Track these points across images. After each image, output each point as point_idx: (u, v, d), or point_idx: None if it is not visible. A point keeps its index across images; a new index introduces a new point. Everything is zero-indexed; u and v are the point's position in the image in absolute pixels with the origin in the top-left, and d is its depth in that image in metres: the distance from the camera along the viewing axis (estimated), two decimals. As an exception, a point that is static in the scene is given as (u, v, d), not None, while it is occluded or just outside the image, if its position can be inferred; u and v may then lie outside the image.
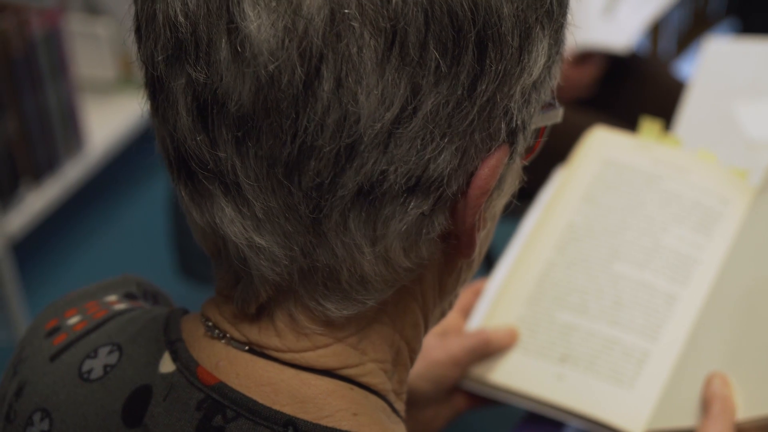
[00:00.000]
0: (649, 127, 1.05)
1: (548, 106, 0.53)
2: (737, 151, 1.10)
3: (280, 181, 0.47)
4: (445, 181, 0.48)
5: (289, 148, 0.46)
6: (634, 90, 1.81)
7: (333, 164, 0.46)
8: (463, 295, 0.96)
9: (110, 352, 0.58)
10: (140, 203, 2.62)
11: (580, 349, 0.89)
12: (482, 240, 0.54)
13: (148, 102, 0.51)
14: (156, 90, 0.50)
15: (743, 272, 0.91)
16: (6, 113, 2.01)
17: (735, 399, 0.82)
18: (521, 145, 0.52)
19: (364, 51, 0.45)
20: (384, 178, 0.47)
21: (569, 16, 0.52)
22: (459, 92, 0.47)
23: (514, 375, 0.90)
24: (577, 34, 0.54)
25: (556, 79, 0.52)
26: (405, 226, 0.49)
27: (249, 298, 0.53)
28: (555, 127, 0.56)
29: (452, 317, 0.94)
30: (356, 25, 0.44)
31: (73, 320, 0.62)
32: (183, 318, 0.58)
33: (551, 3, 0.49)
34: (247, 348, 0.54)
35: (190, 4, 0.46)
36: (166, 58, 0.48)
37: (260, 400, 0.52)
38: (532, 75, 0.49)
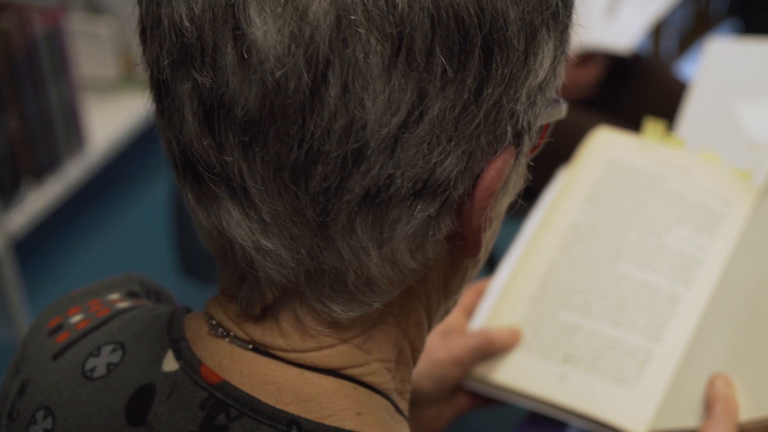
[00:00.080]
0: (653, 127, 1.05)
1: (552, 102, 0.53)
2: (740, 151, 1.10)
3: (287, 186, 0.47)
4: (451, 184, 0.48)
5: (296, 153, 0.46)
6: (636, 90, 1.81)
7: (340, 169, 0.46)
8: (466, 294, 0.96)
9: (113, 350, 0.58)
10: (141, 202, 2.62)
11: (582, 349, 0.89)
12: (488, 239, 0.54)
13: (154, 104, 0.51)
14: (162, 93, 0.49)
15: (746, 273, 0.90)
16: (7, 112, 2.01)
17: (738, 400, 0.81)
18: (527, 146, 0.52)
19: (371, 56, 0.45)
20: (391, 182, 0.47)
21: (574, 17, 0.52)
22: (465, 96, 0.47)
23: (516, 375, 0.90)
24: (581, 34, 0.54)
25: (561, 78, 0.52)
26: (412, 229, 0.49)
27: (254, 299, 0.53)
28: (557, 128, 0.56)
29: (455, 317, 0.94)
30: (362, 31, 0.44)
31: (76, 318, 0.62)
32: (186, 317, 0.58)
33: (557, 5, 0.49)
34: (250, 347, 0.54)
35: (195, 8, 0.46)
36: (172, 63, 0.48)
37: (264, 399, 0.52)
38: (537, 77, 0.49)
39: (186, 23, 0.46)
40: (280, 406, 0.52)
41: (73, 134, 2.19)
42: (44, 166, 2.12)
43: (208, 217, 0.51)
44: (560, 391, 0.88)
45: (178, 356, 0.55)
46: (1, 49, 1.96)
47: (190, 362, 0.54)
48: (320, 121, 0.45)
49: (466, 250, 0.53)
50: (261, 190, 0.48)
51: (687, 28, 3.02)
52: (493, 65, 0.47)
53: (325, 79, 0.45)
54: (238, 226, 0.49)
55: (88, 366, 0.58)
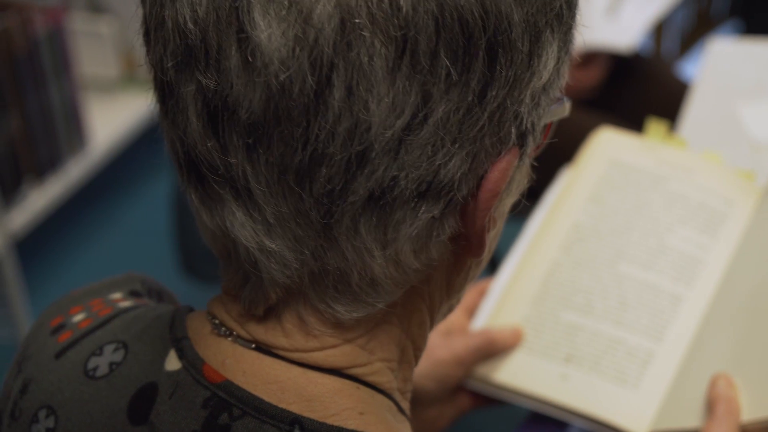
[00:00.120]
0: (656, 128, 1.05)
1: (556, 101, 0.53)
2: (742, 152, 1.10)
3: (291, 188, 0.47)
4: (455, 185, 0.48)
5: (300, 156, 0.46)
6: (638, 90, 1.81)
7: (344, 171, 0.46)
8: (468, 294, 0.96)
9: (116, 349, 0.58)
10: (143, 202, 2.62)
11: (584, 349, 0.89)
12: (491, 239, 0.54)
13: (158, 105, 0.51)
14: (165, 95, 0.49)
15: (748, 273, 0.90)
16: (9, 111, 2.01)
17: (740, 400, 0.81)
18: (531, 147, 0.52)
19: (375, 59, 0.45)
20: (395, 183, 0.47)
21: (578, 17, 0.52)
22: (469, 99, 0.47)
23: (518, 375, 0.90)
24: (583, 34, 0.54)
25: (564, 78, 0.52)
26: (416, 230, 0.49)
27: (257, 300, 0.53)
28: (559, 128, 0.56)
29: (457, 317, 0.94)
30: (367, 34, 0.44)
31: (78, 318, 0.62)
32: (188, 316, 0.58)
33: (561, 6, 0.49)
34: (253, 346, 0.54)
35: (199, 10, 0.46)
36: (176, 65, 0.48)
37: (266, 399, 0.52)
38: (542, 78, 0.49)
39: (190, 25, 0.46)
40: (282, 406, 0.52)
41: (75, 133, 2.19)
42: (45, 165, 2.13)
43: (212, 217, 0.51)
44: (562, 391, 0.88)
45: (181, 355, 0.55)
46: (2, 48, 1.96)
47: (192, 361, 0.54)
48: (324, 123, 0.45)
49: (470, 250, 0.53)
50: (265, 191, 0.48)
51: (688, 29, 3.02)
52: (498, 67, 0.47)
53: (330, 82, 0.45)
54: (242, 227, 0.49)
55: (91, 365, 0.58)
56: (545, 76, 0.49)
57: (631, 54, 1.80)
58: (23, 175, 2.08)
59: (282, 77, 0.45)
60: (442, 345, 0.89)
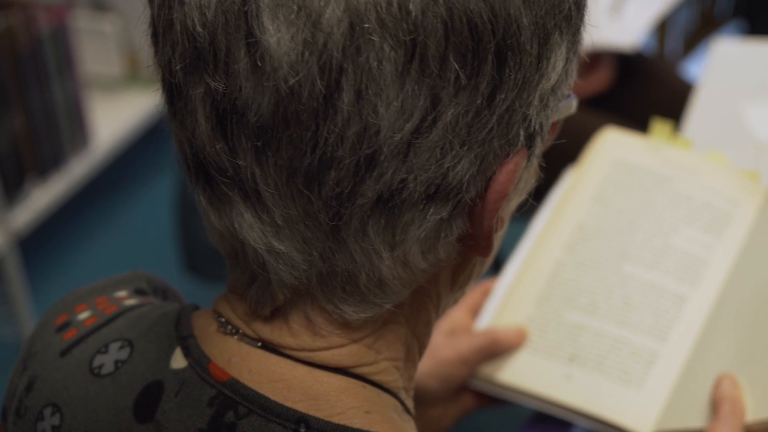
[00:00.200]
0: (660, 128, 1.05)
1: (564, 98, 0.53)
2: (746, 152, 1.10)
3: (300, 190, 0.47)
4: (464, 187, 0.48)
5: (309, 159, 0.46)
6: (641, 90, 1.81)
7: (353, 174, 0.46)
8: (472, 294, 0.96)
9: (121, 347, 0.58)
10: (146, 200, 2.62)
11: (588, 349, 0.89)
12: (498, 237, 0.54)
13: (166, 106, 0.51)
14: (174, 96, 0.49)
15: (753, 274, 0.90)
16: (12, 109, 2.01)
17: (744, 401, 0.81)
18: (539, 147, 0.52)
19: (384, 64, 0.45)
20: (404, 186, 0.47)
21: (586, 17, 0.52)
22: (478, 102, 0.47)
23: (522, 374, 0.90)
24: (589, 33, 0.54)
25: (572, 77, 0.52)
26: (424, 232, 0.49)
27: (264, 300, 0.53)
28: (564, 128, 0.56)
29: (461, 316, 0.94)
30: (376, 38, 0.44)
31: (84, 315, 0.62)
32: (194, 314, 0.58)
33: (569, 8, 0.49)
34: (259, 344, 0.54)
35: (207, 14, 0.46)
36: (184, 67, 0.48)
37: (272, 397, 0.52)
38: (550, 80, 0.49)
39: (198, 28, 0.46)
40: (288, 404, 0.52)
41: (78, 132, 2.19)
42: (49, 163, 2.13)
43: (220, 218, 0.51)
44: (566, 391, 0.88)
45: (187, 353, 0.55)
46: (6, 46, 1.97)
47: (198, 359, 0.54)
48: (333, 127, 0.45)
49: (478, 250, 0.53)
50: (274, 193, 0.48)
51: (692, 29, 3.01)
52: (507, 71, 0.47)
53: (339, 86, 0.45)
54: (250, 228, 0.49)
55: (96, 363, 0.58)
56: (554, 77, 0.49)
57: (635, 53, 1.80)
58: (26, 173, 2.08)
59: (291, 81, 0.45)
60: (446, 344, 0.89)
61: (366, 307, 0.52)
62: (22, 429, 0.60)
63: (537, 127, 0.50)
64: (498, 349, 0.90)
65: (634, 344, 0.89)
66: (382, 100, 0.45)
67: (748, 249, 0.92)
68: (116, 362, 0.58)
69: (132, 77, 2.44)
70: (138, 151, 2.62)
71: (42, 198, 2.11)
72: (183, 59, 0.48)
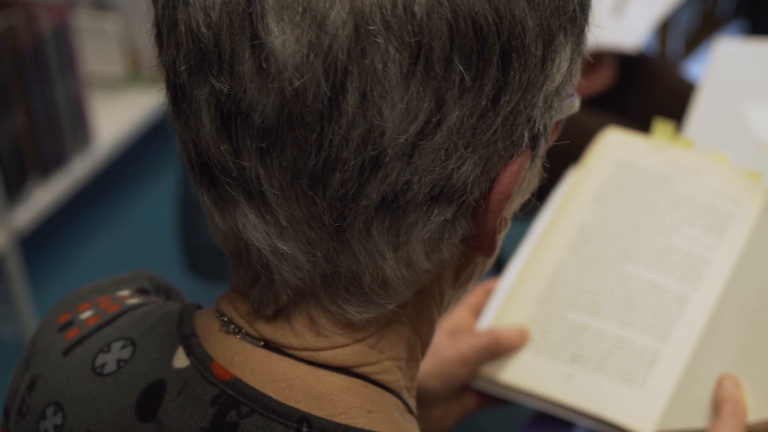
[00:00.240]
0: (662, 128, 1.05)
1: (567, 98, 0.53)
2: (748, 152, 1.10)
3: (305, 191, 0.47)
4: (468, 189, 0.48)
5: (314, 160, 0.46)
6: (643, 90, 1.81)
7: (357, 176, 0.46)
8: (474, 294, 0.96)
9: (123, 346, 0.58)
10: (147, 199, 2.62)
11: (590, 349, 0.89)
12: (501, 237, 0.54)
13: (170, 106, 0.51)
14: (178, 97, 0.49)
15: (755, 274, 0.90)
16: (14, 108, 2.01)
17: (746, 401, 0.81)
18: (543, 148, 0.52)
19: (389, 65, 0.45)
20: (408, 187, 0.47)
21: (590, 18, 0.52)
22: (483, 104, 0.47)
23: (524, 374, 0.90)
24: (593, 34, 0.54)
25: (576, 78, 0.52)
26: (428, 233, 0.49)
27: (267, 300, 0.53)
28: (566, 128, 0.56)
29: (463, 316, 0.94)
30: (381, 40, 0.44)
31: (86, 315, 0.62)
32: (196, 313, 0.58)
33: (574, 9, 0.49)
34: (262, 344, 0.54)
35: (212, 15, 0.46)
36: (189, 68, 0.48)
37: (275, 396, 0.52)
38: (555, 82, 0.49)
39: (203, 30, 0.46)
40: (291, 403, 0.52)
41: (80, 131, 2.20)
42: (50, 162, 2.13)
43: (224, 219, 0.51)
44: (567, 391, 0.88)
45: (189, 352, 0.55)
46: (8, 45, 1.97)
47: (201, 359, 0.54)
48: (338, 129, 0.45)
49: (481, 250, 0.53)
50: (278, 195, 0.48)
51: (693, 29, 3.01)
52: (511, 72, 0.47)
53: (344, 88, 0.45)
54: (254, 229, 0.49)
55: (99, 362, 0.58)
56: (558, 79, 0.49)
57: (637, 54, 1.80)
58: (28, 173, 2.08)
59: (296, 83, 0.45)
60: (448, 344, 0.89)
61: (369, 308, 0.52)
62: (24, 428, 0.60)
63: (541, 128, 0.50)
64: (500, 349, 0.90)
65: (636, 344, 0.89)
66: (387, 102, 0.45)
67: (749, 249, 0.92)
68: (118, 361, 0.58)
69: (134, 76, 2.44)
70: (140, 151, 2.62)
71: (44, 197, 2.11)
72: (187, 60, 0.48)
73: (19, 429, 0.60)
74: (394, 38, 0.44)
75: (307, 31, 0.44)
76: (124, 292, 0.65)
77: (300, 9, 0.44)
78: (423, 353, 0.59)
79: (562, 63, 0.49)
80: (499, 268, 1.43)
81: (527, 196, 0.55)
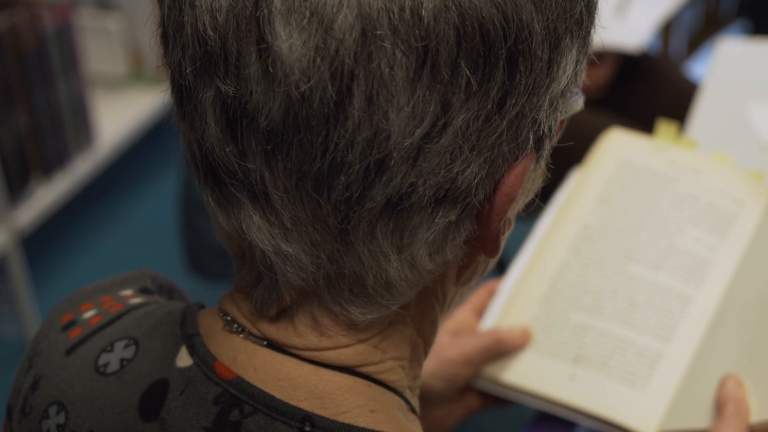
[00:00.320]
0: (665, 129, 1.05)
1: (572, 97, 0.53)
2: (750, 152, 1.10)
3: (309, 194, 0.47)
4: (472, 191, 0.48)
5: (319, 163, 0.46)
6: (646, 90, 1.81)
7: (362, 179, 0.46)
8: (477, 294, 0.96)
9: (126, 345, 0.58)
10: (150, 199, 2.62)
11: (593, 349, 0.89)
12: (505, 238, 0.54)
13: (175, 107, 0.51)
14: (183, 98, 0.49)
15: (758, 274, 0.90)
16: (17, 108, 2.01)
17: (749, 401, 0.81)
18: (547, 150, 0.52)
19: (396, 70, 0.45)
20: (413, 190, 0.47)
21: (596, 20, 0.52)
22: (489, 107, 0.47)
23: (526, 375, 0.90)
24: (598, 34, 0.54)
25: (581, 78, 0.52)
26: (432, 235, 0.49)
27: (270, 301, 0.53)
28: (569, 129, 0.56)
29: (466, 316, 0.94)
30: (388, 44, 0.44)
31: (89, 314, 0.62)
32: (200, 312, 0.58)
33: (580, 12, 0.49)
34: (265, 343, 0.54)
35: (218, 17, 0.46)
36: (195, 70, 0.48)
37: (278, 395, 0.52)
38: (560, 84, 0.49)
39: (209, 32, 0.46)
40: (293, 403, 0.52)
41: (82, 130, 2.20)
42: (53, 161, 2.13)
43: (228, 220, 0.51)
44: (570, 392, 0.88)
45: (192, 352, 0.55)
46: (11, 44, 1.97)
47: (204, 358, 0.54)
48: (344, 132, 0.45)
49: (485, 251, 0.53)
50: (283, 197, 0.48)
51: (696, 29, 3.01)
52: (518, 76, 0.47)
53: (350, 92, 0.45)
54: (258, 230, 0.49)
55: (101, 361, 0.58)
56: (564, 81, 0.49)
57: (639, 54, 1.80)
58: (30, 172, 2.08)
59: (303, 88, 0.45)
60: (451, 345, 0.89)
61: (373, 309, 0.52)
62: (27, 427, 0.60)
63: (546, 130, 0.50)
64: (502, 350, 0.90)
65: (639, 345, 0.89)
66: (393, 106, 0.45)
67: (752, 250, 0.92)
68: (121, 361, 0.58)
69: (136, 76, 2.44)
70: (142, 150, 2.62)
71: (46, 196, 2.11)
72: (193, 62, 0.48)
73: (22, 428, 0.60)
74: (401, 42, 0.44)
75: (314, 35, 0.44)
76: (127, 292, 0.65)
77: (307, 13, 0.44)
78: (426, 352, 0.59)
79: (568, 65, 0.49)
80: (502, 268, 1.43)
81: (531, 196, 0.55)
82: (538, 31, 0.47)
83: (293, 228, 0.49)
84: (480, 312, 0.96)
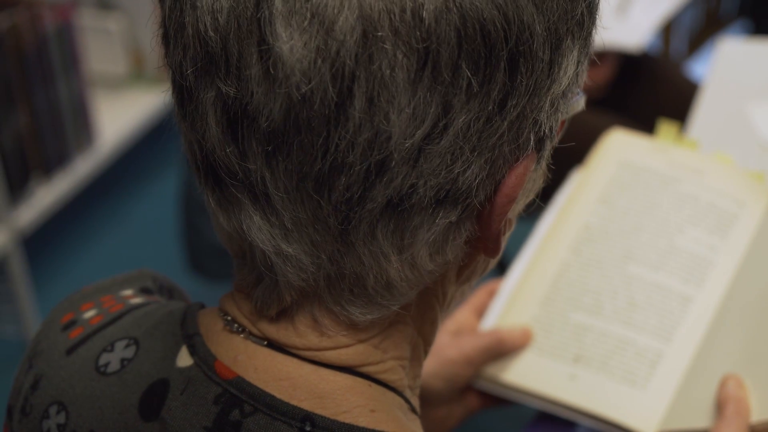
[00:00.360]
0: (666, 129, 1.05)
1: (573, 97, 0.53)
2: (751, 152, 1.10)
3: (310, 195, 0.47)
4: (473, 192, 0.49)
5: (320, 164, 0.46)
6: (647, 90, 1.81)
7: (363, 180, 0.46)
8: (478, 294, 0.96)
9: (127, 345, 0.58)
10: (150, 199, 2.62)
11: (593, 349, 0.89)
12: (505, 238, 0.54)
13: (176, 107, 0.51)
14: (184, 99, 0.49)
15: (758, 274, 0.90)
16: (17, 108, 2.01)
17: (749, 401, 0.81)
18: (548, 150, 0.52)
19: (397, 71, 0.45)
20: (413, 191, 0.47)
21: (598, 21, 0.52)
22: (489, 108, 0.47)
23: (527, 375, 0.90)
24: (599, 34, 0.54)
25: (582, 79, 0.52)
26: (433, 236, 0.49)
27: (270, 301, 0.53)
28: (569, 129, 0.56)
29: (466, 317, 0.94)
30: (389, 46, 0.44)
31: (90, 314, 0.62)
32: (200, 312, 0.58)
33: (582, 13, 0.49)
34: (265, 343, 0.54)
35: (219, 18, 0.46)
36: (195, 70, 0.48)
37: (278, 395, 0.52)
38: (561, 85, 0.49)
39: (210, 33, 0.46)
40: (294, 402, 0.52)
41: (83, 130, 2.20)
42: (53, 161, 2.13)
43: (229, 220, 0.51)
44: (570, 391, 0.88)
45: (193, 352, 0.55)
46: (11, 44, 1.97)
47: (204, 358, 0.54)
48: (345, 133, 0.45)
49: (486, 251, 0.53)
50: (283, 197, 0.48)
51: (697, 29, 3.01)
52: (518, 77, 0.47)
53: (351, 94, 0.45)
54: (259, 230, 0.49)
55: (102, 361, 0.58)
56: (565, 82, 0.49)
57: (640, 53, 1.80)
58: (31, 172, 2.08)
59: (303, 89, 0.45)
60: (452, 345, 0.89)
61: (373, 309, 0.52)
62: (27, 427, 0.60)
63: (547, 130, 0.50)
64: (503, 350, 0.90)
65: (639, 344, 0.89)
66: (394, 107, 0.45)
67: (753, 250, 0.92)
68: (122, 360, 0.58)
69: (137, 76, 2.44)
70: (143, 150, 2.62)
71: (46, 196, 2.11)
72: (194, 63, 0.48)
73: (22, 428, 0.60)
74: (402, 44, 0.44)
75: (315, 36, 0.44)
76: (128, 292, 0.65)
77: (308, 14, 0.44)
78: (426, 351, 0.59)
79: (569, 66, 0.49)
80: (502, 268, 1.43)
81: (531, 196, 0.55)
82: (540, 32, 0.47)
83: (294, 228, 0.49)
84: (480, 312, 0.96)
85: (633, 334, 0.89)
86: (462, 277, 0.57)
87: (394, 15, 0.44)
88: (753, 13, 3.00)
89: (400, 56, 0.44)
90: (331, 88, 0.45)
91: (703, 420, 0.83)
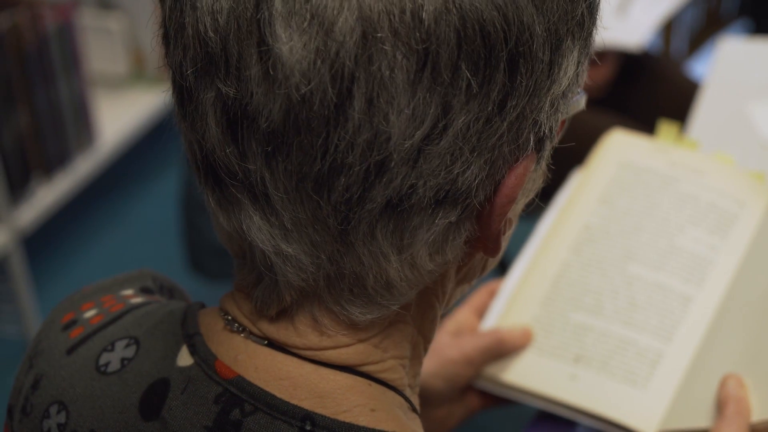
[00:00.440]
0: (667, 129, 1.05)
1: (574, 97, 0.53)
2: (752, 151, 1.10)
3: (310, 195, 0.47)
4: (473, 192, 0.49)
5: (319, 165, 0.46)
6: (647, 90, 1.81)
7: (362, 180, 0.47)
8: (478, 294, 0.96)
9: (127, 345, 0.58)
10: (151, 198, 2.62)
11: (594, 349, 0.89)
12: (506, 238, 0.55)
13: (176, 107, 0.51)
14: (184, 99, 0.50)
15: (759, 274, 0.90)
16: (18, 107, 2.01)
17: (750, 401, 0.81)
18: (548, 150, 0.52)
19: (396, 72, 0.45)
20: (413, 191, 0.47)
21: (598, 21, 0.52)
22: (489, 109, 0.47)
23: (527, 375, 0.90)
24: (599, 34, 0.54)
25: (582, 79, 0.52)
26: (432, 236, 0.49)
27: (270, 301, 0.53)
28: (570, 129, 0.56)
29: (467, 317, 0.94)
30: (388, 47, 0.44)
31: (90, 314, 0.62)
32: (200, 312, 0.58)
33: (582, 13, 0.49)
34: (266, 342, 0.54)
35: (219, 19, 0.46)
36: (195, 71, 0.48)
37: (278, 394, 0.52)
38: (561, 86, 0.49)
39: (210, 34, 0.46)
40: (294, 402, 0.52)
41: (83, 130, 2.20)
42: (54, 161, 2.13)
43: (229, 220, 0.51)
44: (571, 391, 0.88)
45: (193, 351, 0.55)
46: (12, 44, 1.97)
47: (204, 357, 0.54)
48: (344, 134, 0.45)
49: (486, 251, 0.53)
50: (283, 198, 0.48)
51: (697, 28, 3.01)
52: (518, 78, 0.47)
53: (350, 94, 0.45)
54: (258, 230, 0.49)
55: (102, 361, 0.58)
56: (565, 82, 0.49)
57: (641, 53, 1.80)
58: (31, 171, 2.08)
59: (303, 90, 0.45)
60: (452, 345, 0.89)
61: (373, 309, 0.52)
62: (28, 427, 0.60)
63: (547, 131, 0.50)
64: (503, 350, 0.90)
65: (640, 344, 0.89)
66: (393, 108, 0.45)
67: (753, 250, 0.92)
68: (122, 360, 0.58)
69: (138, 75, 2.44)
70: (143, 150, 2.62)
71: (47, 196, 2.11)
72: (194, 63, 0.48)
73: (22, 427, 0.60)
74: (401, 45, 0.44)
75: (315, 37, 0.44)
76: (128, 291, 0.65)
77: (308, 15, 0.44)
78: (425, 350, 0.59)
79: (569, 67, 0.49)
80: (503, 268, 1.43)
81: (531, 196, 0.55)
82: (539, 33, 0.47)
83: (293, 229, 0.49)
84: (481, 312, 0.96)
85: (633, 334, 0.89)
86: (462, 276, 0.57)
87: (394, 16, 0.44)
88: (753, 12, 3.00)
89: (399, 57, 0.44)
90: (330, 89, 0.45)
91: (704, 420, 0.83)
